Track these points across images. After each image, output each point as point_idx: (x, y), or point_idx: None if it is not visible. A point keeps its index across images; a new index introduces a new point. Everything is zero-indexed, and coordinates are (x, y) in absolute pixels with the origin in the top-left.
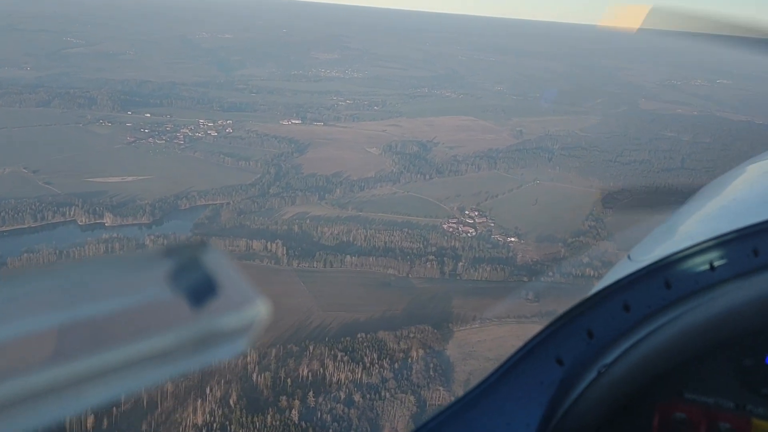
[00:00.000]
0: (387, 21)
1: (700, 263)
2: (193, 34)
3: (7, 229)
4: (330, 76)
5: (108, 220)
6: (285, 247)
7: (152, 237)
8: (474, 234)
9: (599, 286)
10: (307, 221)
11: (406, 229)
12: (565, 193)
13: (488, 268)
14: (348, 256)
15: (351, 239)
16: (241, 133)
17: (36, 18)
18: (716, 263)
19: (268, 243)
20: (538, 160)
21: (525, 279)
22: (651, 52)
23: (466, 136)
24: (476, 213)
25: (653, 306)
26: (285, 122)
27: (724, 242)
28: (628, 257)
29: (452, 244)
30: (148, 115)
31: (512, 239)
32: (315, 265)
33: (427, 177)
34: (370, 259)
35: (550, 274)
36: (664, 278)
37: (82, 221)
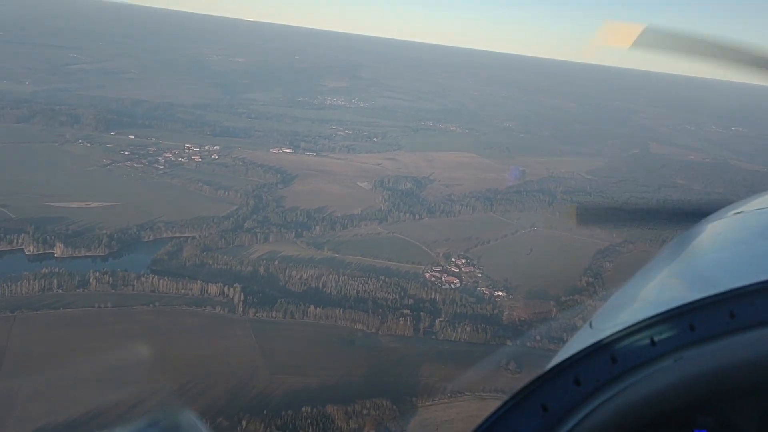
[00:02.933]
0: (400, 52)
1: (642, 338)
2: (204, 55)
3: None
4: (335, 104)
5: (58, 250)
6: (243, 293)
7: (98, 274)
8: (458, 285)
9: (557, 357)
10: (276, 262)
11: (383, 277)
12: (563, 243)
13: (469, 327)
14: (313, 306)
15: (321, 286)
16: (227, 160)
17: (44, 32)
18: (656, 338)
19: (226, 287)
20: (538, 203)
21: (508, 342)
22: (665, 95)
23: (465, 174)
24: (463, 261)
25: (601, 380)
26: (275, 150)
27: (664, 319)
28: (590, 324)
29: (432, 296)
30: (132, 136)
31: (500, 293)
32: (274, 316)
33: (417, 217)
34: (338, 310)
35: (537, 338)
36: (610, 353)
37: (29, 250)
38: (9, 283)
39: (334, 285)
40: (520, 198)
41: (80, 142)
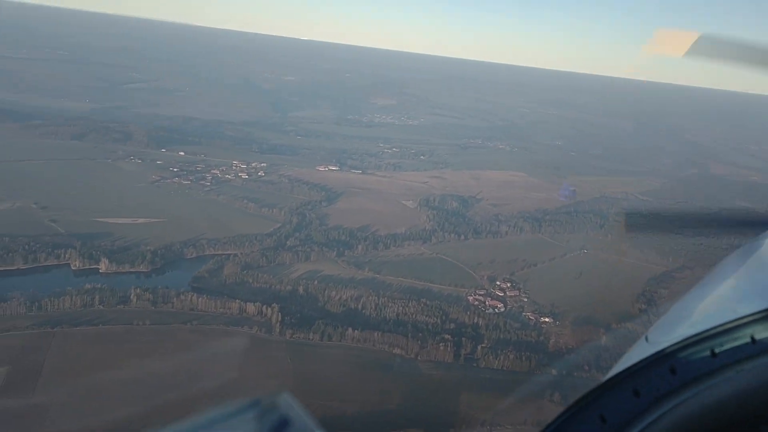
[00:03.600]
0: (449, 69)
1: (702, 350)
2: (257, 74)
3: None
4: (383, 121)
5: (103, 266)
6: (281, 313)
7: (139, 291)
8: (502, 310)
9: (614, 370)
10: (316, 282)
11: (424, 299)
12: (615, 267)
13: (512, 355)
14: (351, 329)
15: (360, 307)
16: (273, 177)
17: (104, 53)
18: (717, 350)
19: (264, 306)
20: (588, 225)
21: (553, 371)
22: (719, 111)
23: (513, 193)
24: (508, 284)
25: (660, 391)
26: (321, 168)
27: (725, 330)
28: (645, 338)
29: (475, 320)
30: (182, 153)
31: (546, 319)
32: (311, 338)
33: (462, 237)
34: (376, 334)
35: (585, 367)
36: (669, 364)
37: (75, 266)
38: (53, 298)
39: (373, 307)
40: (570, 219)
41: (131, 159)
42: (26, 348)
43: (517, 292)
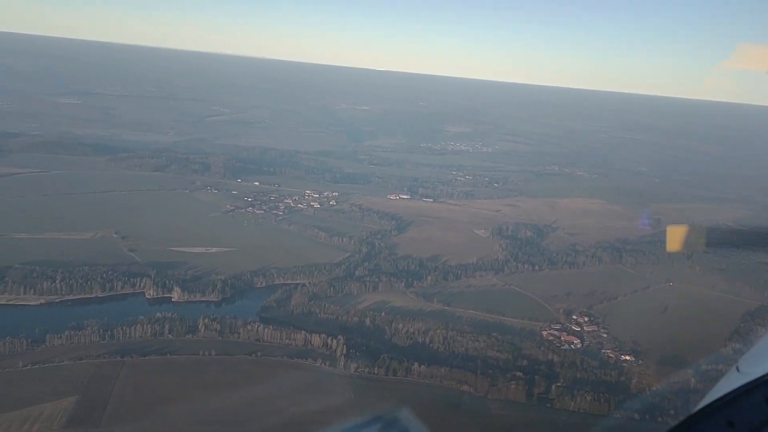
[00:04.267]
0: (524, 96)
1: None
2: (333, 104)
3: (73, 297)
4: (457, 149)
5: (176, 294)
6: (347, 346)
7: (207, 321)
8: (579, 346)
9: (705, 400)
10: (383, 314)
11: (495, 334)
12: (704, 302)
13: (589, 396)
14: (417, 364)
15: (427, 341)
16: (345, 206)
17: (190, 88)
18: None
19: (330, 338)
20: (674, 256)
21: (636, 416)
22: None
23: (591, 222)
24: (586, 319)
25: (755, 422)
26: (392, 197)
27: None
28: (737, 368)
29: (549, 357)
30: (257, 183)
31: (627, 357)
32: (376, 372)
33: (537, 268)
34: (443, 369)
35: (671, 411)
36: (764, 395)
37: (150, 294)
38: (124, 327)
39: (441, 340)
40: (653, 249)
41: (208, 189)
42: (96, 377)
43: (595, 328)
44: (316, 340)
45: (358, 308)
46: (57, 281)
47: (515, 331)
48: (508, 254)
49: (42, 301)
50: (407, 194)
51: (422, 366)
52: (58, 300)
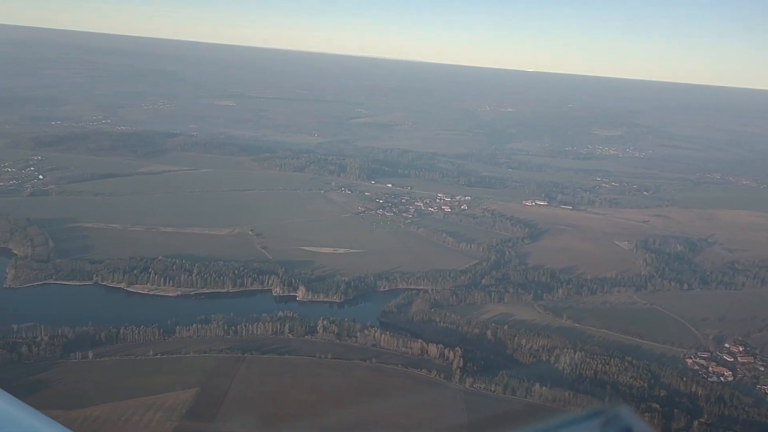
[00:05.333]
0: (688, 97)
1: None
2: (476, 107)
3: (206, 291)
4: (605, 153)
5: (300, 294)
6: (464, 359)
7: (326, 322)
8: (730, 379)
9: None
10: (506, 327)
11: (630, 357)
12: None
13: None
14: (539, 384)
15: (552, 359)
16: (476, 210)
17: (339, 90)
18: None
19: (447, 349)
20: None
21: None
22: None
23: (756, 237)
24: (740, 348)
25: None
26: (528, 202)
27: None
28: None
29: (692, 389)
30: (390, 185)
31: None
32: (492, 389)
33: (686, 287)
34: (568, 393)
35: None
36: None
37: (276, 292)
38: (248, 324)
39: (568, 361)
40: None
41: (342, 190)
42: (217, 371)
43: (751, 359)
44: (433, 350)
45: (480, 319)
46: (193, 274)
47: (654, 357)
48: (653, 269)
49: (178, 293)
50: (544, 200)
51: (544, 387)
52: (193, 293)
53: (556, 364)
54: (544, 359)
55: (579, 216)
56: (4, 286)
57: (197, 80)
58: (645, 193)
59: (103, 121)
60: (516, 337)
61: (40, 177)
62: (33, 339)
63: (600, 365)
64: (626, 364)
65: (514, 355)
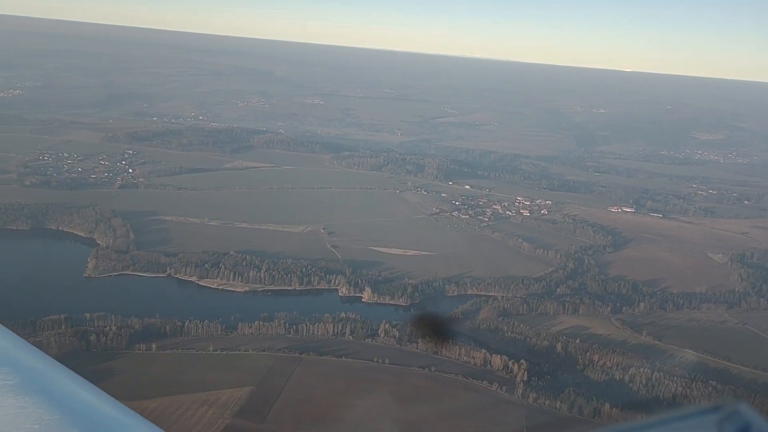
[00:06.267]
0: None
1: None
2: (566, 107)
3: (273, 288)
4: (704, 159)
5: (366, 295)
6: (529, 372)
7: (387, 326)
8: None
9: None
10: (578, 341)
11: (715, 382)
12: None
13: None
14: (608, 405)
15: (626, 379)
16: (557, 216)
17: (428, 90)
18: None
19: (512, 361)
20: None
21: None
22: None
23: None
24: None
25: None
26: (614, 209)
27: None
28: None
29: None
30: (468, 187)
31: None
32: (557, 406)
33: None
34: (640, 416)
35: None
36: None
37: (342, 292)
38: (309, 324)
39: (643, 381)
40: None
41: (418, 190)
42: (273, 371)
43: None
44: (497, 361)
45: (550, 331)
46: (262, 271)
47: (744, 383)
48: (749, 286)
49: (246, 288)
50: (632, 207)
51: (614, 409)
52: (260, 289)
53: (630, 384)
54: (617, 378)
55: (669, 225)
56: (84, 275)
57: (291, 79)
58: (746, 202)
59: (200, 118)
60: (588, 352)
61: (130, 170)
62: (102, 328)
63: (680, 388)
64: (710, 389)
65: (584, 371)
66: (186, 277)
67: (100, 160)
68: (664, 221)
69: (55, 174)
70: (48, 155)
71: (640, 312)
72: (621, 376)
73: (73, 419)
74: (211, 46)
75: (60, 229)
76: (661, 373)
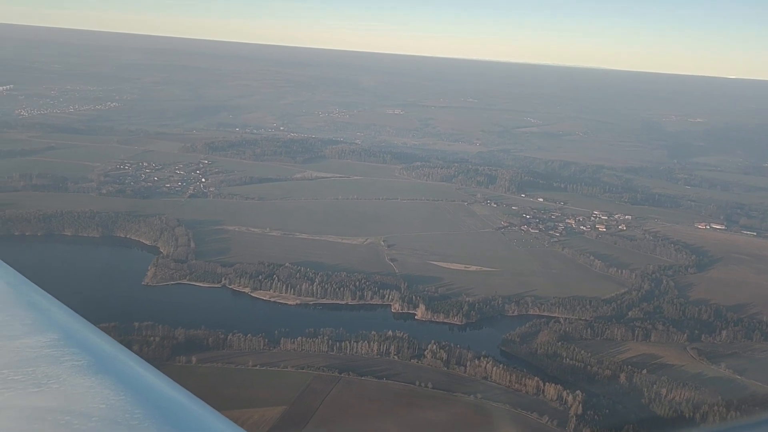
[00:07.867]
0: None
1: None
2: (659, 116)
3: (325, 302)
4: None
5: (420, 312)
6: (584, 405)
7: (435, 347)
8: None
9: None
10: (645, 371)
11: None
12: None
13: None
14: None
15: (697, 417)
16: (636, 232)
17: (511, 98)
18: None
19: (567, 391)
20: None
21: None
22: None
23: None
24: None
25: None
26: (701, 226)
27: None
28: None
29: None
30: (541, 199)
31: None
32: None
33: None
34: None
35: None
36: None
37: (395, 308)
38: (353, 342)
39: (717, 420)
40: None
41: (488, 203)
42: (309, 390)
43: None
44: (551, 390)
45: (615, 359)
46: (315, 284)
47: None
48: None
49: (298, 301)
50: (722, 223)
51: None
52: (311, 302)
53: (701, 424)
54: (686, 416)
55: (763, 244)
56: (143, 283)
57: (376, 90)
58: None
59: (280, 129)
60: (656, 385)
61: (203, 180)
62: (147, 338)
63: None
64: None
65: (649, 406)
66: (240, 288)
67: (177, 169)
68: (758, 240)
69: (132, 183)
70: (129, 164)
71: (721, 341)
72: (691, 413)
73: (138, 401)
74: (301, 59)
75: (128, 236)
76: (738, 413)
